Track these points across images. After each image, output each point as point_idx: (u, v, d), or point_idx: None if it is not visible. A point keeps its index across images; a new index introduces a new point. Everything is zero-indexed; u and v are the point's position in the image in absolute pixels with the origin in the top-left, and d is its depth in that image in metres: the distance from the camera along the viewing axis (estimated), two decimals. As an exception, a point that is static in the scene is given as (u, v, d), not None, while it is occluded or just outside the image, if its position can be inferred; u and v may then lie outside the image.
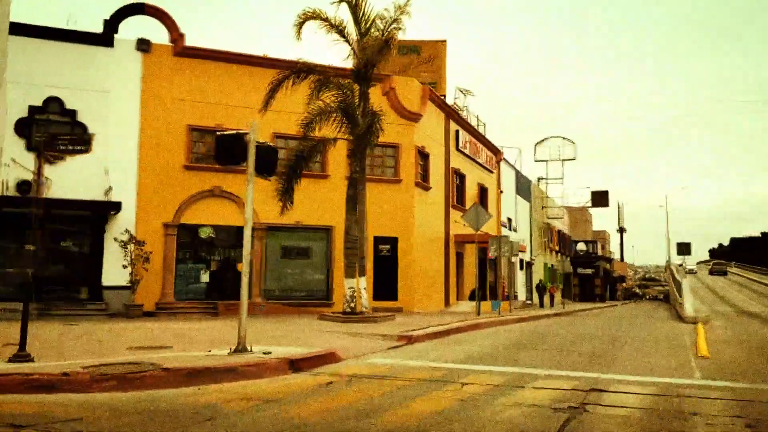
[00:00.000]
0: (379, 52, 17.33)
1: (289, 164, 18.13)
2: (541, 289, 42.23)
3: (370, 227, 24.40)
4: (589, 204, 62.74)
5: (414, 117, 26.40)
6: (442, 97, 32.24)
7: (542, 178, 55.91)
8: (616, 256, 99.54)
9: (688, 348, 13.46)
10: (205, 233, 22.77)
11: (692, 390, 7.72)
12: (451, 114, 31.37)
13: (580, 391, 7.46)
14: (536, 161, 55.95)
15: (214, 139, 10.31)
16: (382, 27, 17.79)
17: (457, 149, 31.99)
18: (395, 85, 26.04)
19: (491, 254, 27.88)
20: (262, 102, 17.76)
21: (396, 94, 25.94)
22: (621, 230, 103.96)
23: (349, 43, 17.95)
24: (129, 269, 20.72)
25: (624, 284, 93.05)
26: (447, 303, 29.58)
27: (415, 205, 26.18)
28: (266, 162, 10.09)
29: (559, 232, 60.20)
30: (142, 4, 22.60)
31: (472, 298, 31.73)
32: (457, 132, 31.91)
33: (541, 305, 41.98)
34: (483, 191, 36.55)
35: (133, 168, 21.98)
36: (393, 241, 25.57)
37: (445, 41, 33.85)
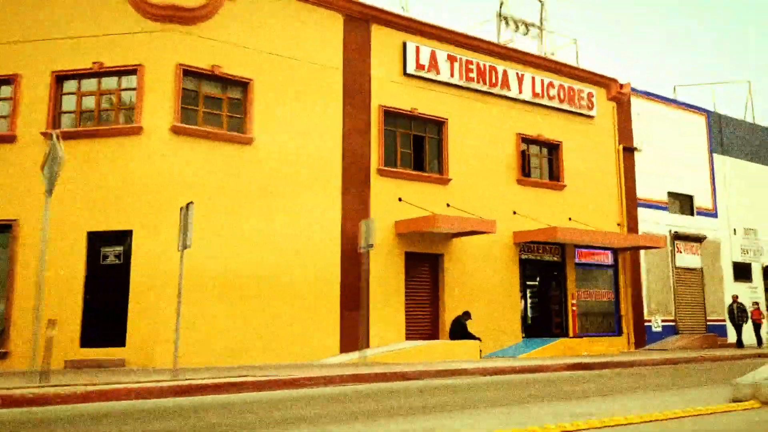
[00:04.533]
0: None
1: None
2: (737, 313, 23.19)
3: (82, 213, 14.00)
4: None
5: (172, 16, 14.75)
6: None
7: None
8: None
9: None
10: None
11: None
12: (382, 18, 17.95)
13: None
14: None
15: None
16: None
17: (405, 74, 18.26)
18: (133, -34, 14.90)
19: (361, 249, 14.15)
20: None
21: (132, -20, 14.80)
22: None
23: None
24: None
25: None
26: (358, 346, 16.22)
27: (179, 168, 14.38)
28: None
29: None
30: None
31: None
32: (404, 45, 18.27)
33: (739, 343, 23.02)
34: (548, 148, 21.10)
35: None
36: (125, 239, 14.19)
37: None
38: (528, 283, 20.45)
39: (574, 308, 20.37)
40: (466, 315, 17.52)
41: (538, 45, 23.60)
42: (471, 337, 17.33)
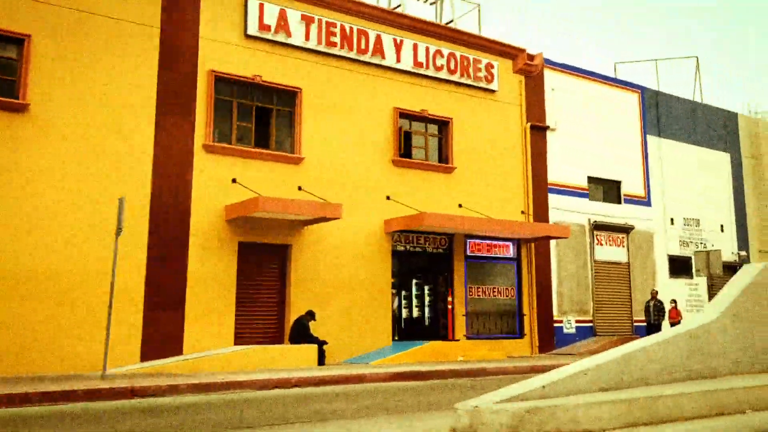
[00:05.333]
0: None
1: None
2: (654, 311, 20.56)
3: None
4: None
5: None
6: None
7: None
8: None
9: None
10: None
11: None
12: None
13: None
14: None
15: None
16: None
17: (247, 36, 15.73)
18: None
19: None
20: None
21: None
22: None
23: None
24: None
25: None
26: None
27: None
28: None
29: None
30: None
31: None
32: (245, 2, 15.74)
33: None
34: (437, 126, 18.55)
35: None
36: None
37: None
38: (408, 279, 17.93)
39: (450, 306, 17.76)
40: (310, 315, 14.99)
41: (437, 12, 21.06)
42: (313, 340, 14.81)
